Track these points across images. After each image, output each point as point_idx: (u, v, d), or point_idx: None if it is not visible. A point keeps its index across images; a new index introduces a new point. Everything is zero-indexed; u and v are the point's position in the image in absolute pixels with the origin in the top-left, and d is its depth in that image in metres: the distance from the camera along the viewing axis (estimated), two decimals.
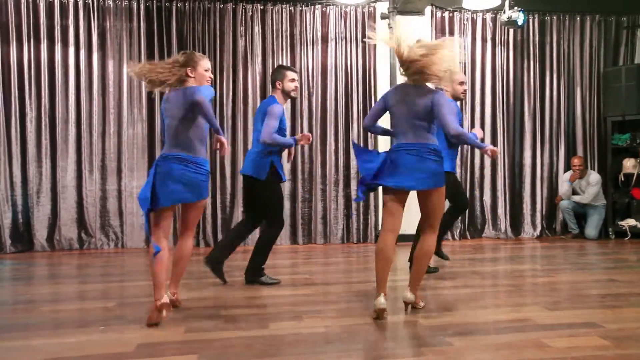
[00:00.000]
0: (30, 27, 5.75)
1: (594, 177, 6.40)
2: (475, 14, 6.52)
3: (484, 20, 6.56)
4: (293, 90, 3.71)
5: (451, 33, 6.45)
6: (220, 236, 6.01)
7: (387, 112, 3.02)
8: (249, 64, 6.10)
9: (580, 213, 6.52)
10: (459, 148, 4.22)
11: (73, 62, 5.82)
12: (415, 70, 2.81)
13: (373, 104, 6.18)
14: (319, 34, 6.22)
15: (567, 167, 6.66)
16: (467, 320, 2.79)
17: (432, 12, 6.37)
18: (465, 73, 6.02)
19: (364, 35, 6.26)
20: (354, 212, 6.20)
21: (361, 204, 6.22)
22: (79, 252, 5.66)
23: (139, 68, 2.92)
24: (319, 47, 6.22)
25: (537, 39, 6.66)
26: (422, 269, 2.93)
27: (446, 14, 6.46)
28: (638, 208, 6.48)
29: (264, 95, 6.03)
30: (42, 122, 5.77)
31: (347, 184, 6.24)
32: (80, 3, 5.83)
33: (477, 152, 6.50)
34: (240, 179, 5.98)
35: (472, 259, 4.86)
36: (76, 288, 3.95)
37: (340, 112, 6.24)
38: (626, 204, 6.58)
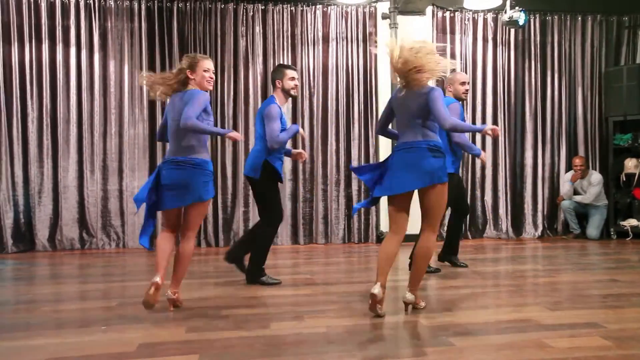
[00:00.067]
0: (31, 27, 5.76)
1: (595, 177, 6.39)
2: (476, 14, 6.51)
3: (485, 20, 6.55)
4: (293, 89, 3.72)
5: (452, 33, 6.46)
6: (221, 236, 6.02)
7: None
8: (250, 64, 6.10)
9: (582, 213, 6.52)
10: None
11: (74, 62, 5.84)
12: (409, 74, 2.80)
13: (374, 104, 6.26)
14: (320, 34, 6.22)
15: (569, 167, 6.65)
16: (468, 320, 2.79)
17: (433, 12, 6.37)
18: (466, 73, 6.01)
19: (365, 36, 6.26)
20: (353, 213, 6.20)
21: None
22: (80, 252, 5.66)
23: (151, 78, 3.05)
24: (320, 47, 6.22)
25: (538, 38, 6.66)
26: (421, 269, 2.92)
27: (447, 14, 6.45)
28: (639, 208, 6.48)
29: (265, 95, 6.03)
30: (44, 122, 5.78)
31: (348, 184, 6.25)
32: (82, 3, 5.84)
33: None
34: (241, 179, 6.00)
35: (474, 259, 4.85)
36: (77, 288, 3.96)
37: (341, 112, 6.24)
38: (628, 204, 6.57)
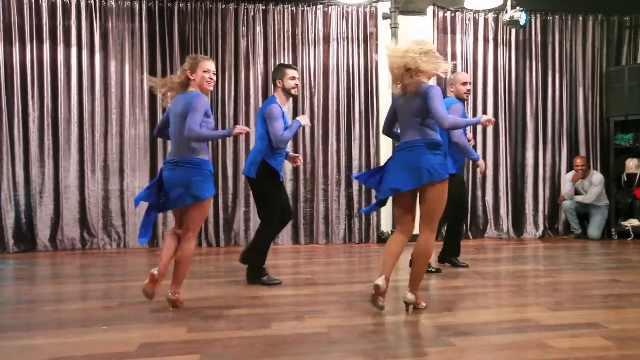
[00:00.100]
0: (32, 27, 5.77)
1: (596, 177, 6.38)
2: (477, 14, 6.51)
3: (486, 20, 6.55)
4: (293, 88, 3.72)
5: (453, 33, 6.46)
6: (222, 236, 6.03)
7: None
8: (251, 64, 6.10)
9: (583, 213, 6.51)
10: None
11: (75, 62, 5.84)
12: (404, 78, 2.83)
13: (375, 104, 6.25)
14: (321, 34, 6.22)
15: (570, 167, 6.65)
16: (469, 320, 2.79)
17: (434, 12, 6.37)
18: (466, 73, 6.00)
19: (365, 36, 6.26)
20: (356, 213, 6.20)
21: (363, 203, 6.22)
22: (81, 252, 5.67)
23: (160, 80, 3.14)
24: (321, 47, 6.22)
25: (539, 38, 6.65)
26: (420, 269, 2.91)
27: (448, 14, 6.45)
28: None
29: (265, 95, 6.04)
30: (45, 122, 5.79)
31: (349, 184, 6.24)
32: (83, 3, 5.84)
33: (479, 152, 6.47)
34: (242, 179, 6.00)
35: (474, 259, 4.85)
36: (79, 288, 3.96)
37: (342, 112, 6.24)
38: (629, 204, 6.56)
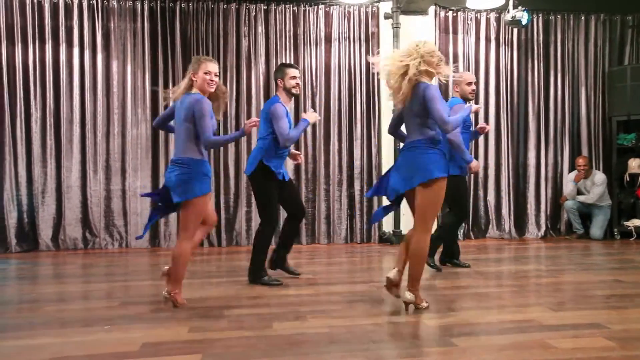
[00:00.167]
0: (35, 28, 5.78)
1: (599, 177, 6.37)
2: (479, 14, 6.50)
3: (487, 20, 6.54)
4: (294, 87, 3.72)
5: (455, 33, 6.45)
6: (224, 236, 6.03)
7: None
8: (253, 64, 6.10)
9: (585, 213, 6.49)
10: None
11: (77, 62, 5.85)
12: (400, 85, 2.84)
13: (376, 104, 6.25)
14: (322, 34, 6.22)
15: (572, 167, 6.63)
16: (471, 320, 2.78)
17: (435, 11, 6.36)
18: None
19: (367, 36, 6.26)
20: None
21: (365, 203, 6.22)
22: (83, 252, 5.68)
23: (173, 94, 3.18)
24: (322, 47, 6.22)
25: (541, 38, 6.64)
26: (416, 269, 2.91)
27: (450, 14, 6.44)
28: None
29: (267, 95, 6.04)
30: (47, 122, 5.80)
31: (350, 184, 6.24)
32: (85, 4, 5.85)
33: (480, 152, 6.49)
34: (244, 179, 6.00)
35: (476, 259, 4.84)
36: (81, 287, 3.97)
37: (344, 112, 6.23)
38: (631, 204, 6.54)
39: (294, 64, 4.11)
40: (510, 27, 6.18)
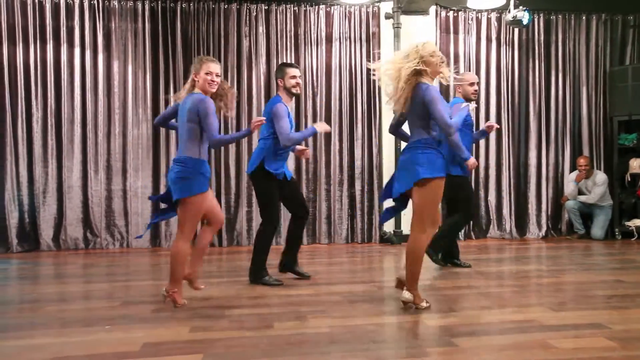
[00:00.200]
0: (36, 28, 5.78)
1: (600, 177, 6.36)
2: (480, 14, 6.49)
3: (488, 20, 6.53)
4: (294, 87, 3.72)
5: (456, 33, 6.44)
6: (224, 236, 6.04)
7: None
8: (253, 64, 6.11)
9: (586, 213, 6.49)
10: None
11: (78, 62, 5.86)
12: (403, 91, 2.86)
13: (377, 104, 6.25)
14: (323, 34, 6.22)
15: (573, 167, 6.62)
16: (471, 320, 2.78)
17: (436, 11, 6.36)
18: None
19: (368, 35, 6.26)
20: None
21: (365, 204, 6.22)
22: (84, 252, 5.69)
23: (179, 97, 3.22)
24: (323, 47, 6.22)
25: (542, 38, 6.63)
26: (413, 269, 2.91)
27: (451, 14, 6.44)
28: None
29: (268, 95, 6.04)
30: (48, 122, 5.81)
31: (351, 184, 6.24)
32: (86, 4, 5.86)
33: (481, 152, 6.49)
34: (244, 179, 6.00)
35: (477, 259, 4.84)
36: (82, 287, 3.97)
37: (345, 112, 6.23)
38: (633, 204, 6.53)
39: (294, 64, 4.11)
40: (511, 27, 6.18)
